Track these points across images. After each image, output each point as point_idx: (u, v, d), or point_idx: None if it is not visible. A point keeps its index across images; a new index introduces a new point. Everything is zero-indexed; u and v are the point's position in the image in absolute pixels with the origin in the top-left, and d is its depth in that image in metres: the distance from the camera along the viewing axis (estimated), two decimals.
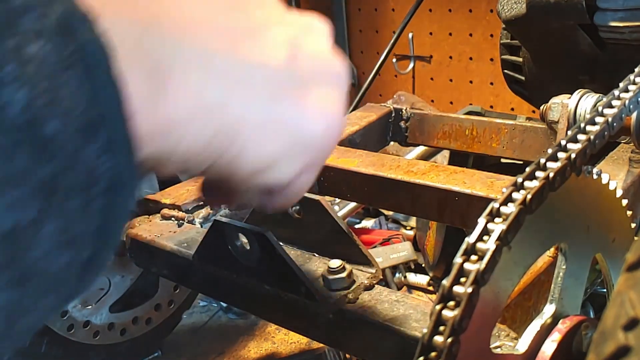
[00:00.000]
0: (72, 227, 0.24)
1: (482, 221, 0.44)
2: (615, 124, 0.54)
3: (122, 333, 1.01)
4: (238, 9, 0.32)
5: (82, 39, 0.23)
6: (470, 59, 1.80)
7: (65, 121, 0.23)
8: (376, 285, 0.63)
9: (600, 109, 0.54)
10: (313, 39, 0.37)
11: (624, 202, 0.55)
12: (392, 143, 1.09)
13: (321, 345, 1.12)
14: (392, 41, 1.71)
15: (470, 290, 0.41)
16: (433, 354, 0.41)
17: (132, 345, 1.05)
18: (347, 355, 1.10)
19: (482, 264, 0.41)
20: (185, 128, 0.29)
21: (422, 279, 1.32)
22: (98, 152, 0.24)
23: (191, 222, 0.79)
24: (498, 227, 0.43)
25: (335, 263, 0.63)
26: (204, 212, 0.81)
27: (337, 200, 1.46)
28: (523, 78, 1.14)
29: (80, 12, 0.24)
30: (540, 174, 0.46)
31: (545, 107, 0.85)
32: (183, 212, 0.81)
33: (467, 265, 0.42)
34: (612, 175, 0.54)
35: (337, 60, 0.38)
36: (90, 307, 0.97)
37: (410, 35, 1.88)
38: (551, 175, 0.46)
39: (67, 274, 0.25)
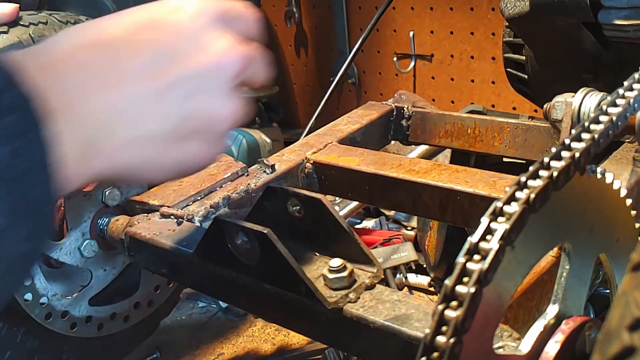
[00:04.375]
0: None
1: (485, 220, 0.43)
2: (619, 123, 0.53)
3: (99, 328, 1.01)
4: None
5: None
6: (472, 57, 1.80)
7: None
8: (377, 285, 0.63)
9: (604, 107, 0.54)
10: (204, 97, 0.49)
11: (628, 201, 0.55)
12: (393, 142, 1.08)
13: (322, 345, 1.12)
14: (362, 36, 1.70)
15: (473, 290, 0.40)
16: (435, 354, 0.40)
17: (109, 342, 1.05)
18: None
19: (485, 264, 0.41)
20: (105, 176, 0.47)
21: (423, 280, 1.31)
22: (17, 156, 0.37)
23: (191, 220, 0.79)
24: (501, 226, 0.43)
25: (336, 262, 0.62)
26: (203, 210, 0.80)
27: (338, 200, 1.46)
28: (526, 76, 1.13)
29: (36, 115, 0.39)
30: (543, 173, 0.46)
31: (548, 106, 0.85)
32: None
33: (470, 265, 0.41)
34: (616, 174, 0.53)
35: (222, 117, 0.51)
36: (70, 297, 0.98)
37: (411, 33, 1.87)
38: (555, 174, 0.45)
39: None
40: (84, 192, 0.94)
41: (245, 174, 0.87)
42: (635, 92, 0.56)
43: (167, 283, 1.07)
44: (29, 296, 0.92)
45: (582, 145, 0.49)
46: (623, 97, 0.56)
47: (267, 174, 0.85)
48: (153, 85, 0.47)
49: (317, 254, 0.69)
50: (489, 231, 0.43)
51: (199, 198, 0.84)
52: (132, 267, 1.04)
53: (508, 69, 1.18)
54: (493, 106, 1.79)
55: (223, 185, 0.85)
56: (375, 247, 1.37)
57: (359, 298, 0.60)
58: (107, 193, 0.95)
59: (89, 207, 0.94)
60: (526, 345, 0.48)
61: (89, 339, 1.01)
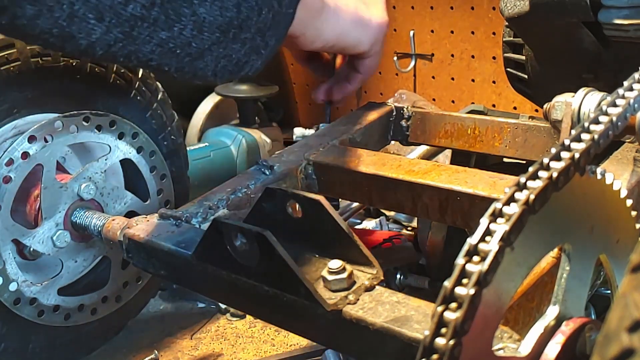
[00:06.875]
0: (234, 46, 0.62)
1: (484, 221, 0.43)
2: (619, 123, 0.53)
3: (66, 317, 1.02)
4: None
5: None
6: (473, 57, 1.80)
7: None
8: (377, 286, 0.62)
9: (604, 107, 0.54)
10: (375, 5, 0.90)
11: (629, 202, 0.54)
12: (393, 142, 1.08)
13: (322, 347, 1.11)
14: None
15: (472, 291, 0.40)
16: (435, 356, 0.40)
17: (75, 334, 1.06)
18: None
19: (485, 265, 0.41)
20: (324, 33, 0.82)
21: (423, 281, 1.31)
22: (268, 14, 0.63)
23: (189, 221, 0.78)
24: (501, 227, 0.42)
25: (336, 264, 0.62)
26: (201, 211, 0.80)
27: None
28: (526, 76, 1.13)
29: None
30: (543, 173, 0.45)
31: (548, 106, 0.85)
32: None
33: (469, 267, 0.41)
34: (616, 175, 0.53)
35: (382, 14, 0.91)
36: (39, 285, 0.99)
37: (411, 33, 1.87)
38: (554, 175, 0.45)
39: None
40: (61, 183, 0.96)
41: None
42: (635, 92, 0.56)
43: (136, 280, 1.09)
44: None
45: (581, 145, 0.48)
46: (623, 97, 0.55)
47: (266, 175, 0.85)
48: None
49: (317, 256, 0.69)
50: (488, 232, 0.43)
51: None
52: (105, 262, 1.06)
53: (508, 69, 1.17)
54: (494, 106, 1.78)
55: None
56: (376, 248, 1.36)
57: (358, 299, 0.60)
58: (82, 187, 0.97)
59: (65, 199, 0.97)
60: (526, 346, 0.48)
61: (56, 328, 1.02)
